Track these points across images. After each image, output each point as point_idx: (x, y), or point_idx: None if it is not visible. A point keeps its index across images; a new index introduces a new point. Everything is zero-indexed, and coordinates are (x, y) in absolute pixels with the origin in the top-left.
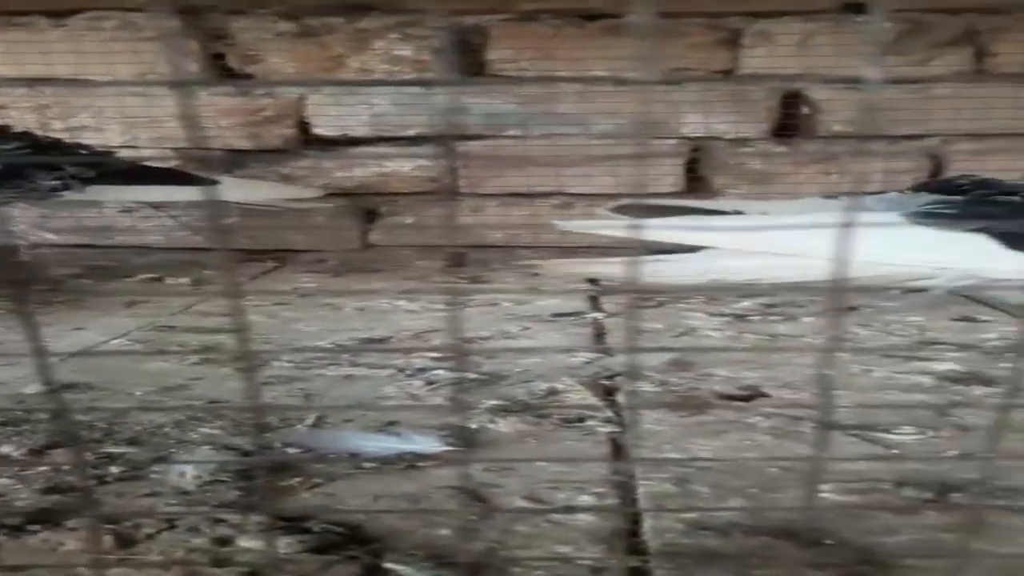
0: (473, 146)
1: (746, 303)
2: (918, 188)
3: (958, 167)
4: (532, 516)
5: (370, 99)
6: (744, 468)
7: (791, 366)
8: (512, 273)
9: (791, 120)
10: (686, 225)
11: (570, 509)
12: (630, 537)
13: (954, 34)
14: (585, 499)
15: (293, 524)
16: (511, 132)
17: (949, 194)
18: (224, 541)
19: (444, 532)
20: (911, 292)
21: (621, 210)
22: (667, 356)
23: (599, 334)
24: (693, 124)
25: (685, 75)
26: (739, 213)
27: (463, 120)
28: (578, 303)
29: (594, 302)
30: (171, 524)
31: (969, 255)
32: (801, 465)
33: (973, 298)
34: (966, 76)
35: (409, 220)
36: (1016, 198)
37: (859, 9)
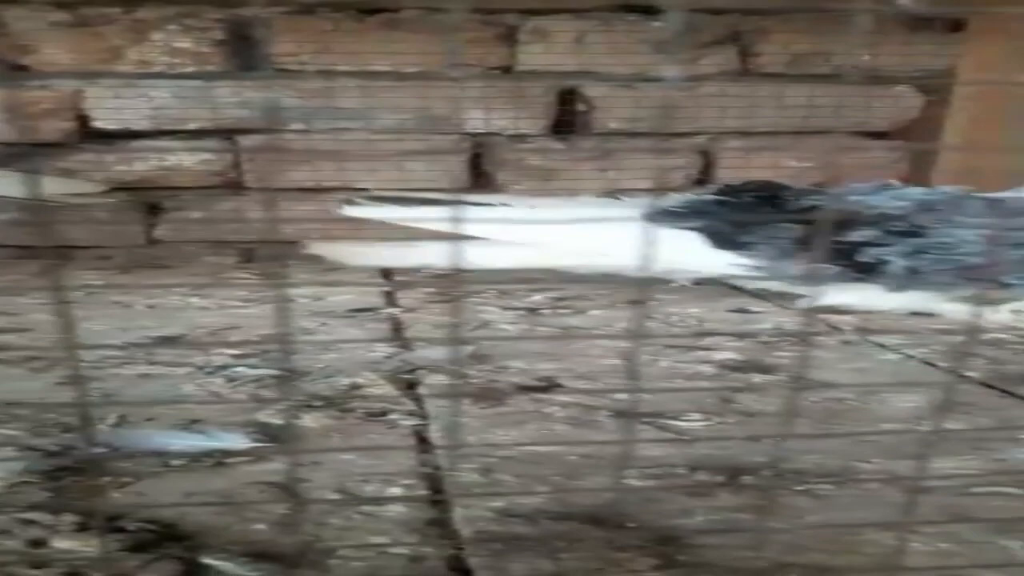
0: (257, 140)
1: (537, 297)
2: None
3: (727, 164)
4: (344, 508)
5: (150, 92)
6: (546, 457)
7: (584, 357)
8: (306, 269)
9: (568, 117)
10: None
11: (381, 500)
12: (442, 526)
13: (720, 34)
14: (394, 490)
15: (107, 523)
16: (294, 126)
17: (734, 196)
18: (38, 543)
19: (259, 527)
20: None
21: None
22: (464, 350)
23: (396, 329)
24: (474, 120)
25: (464, 71)
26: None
27: (246, 114)
28: (374, 299)
29: (390, 297)
30: None
31: (676, 251)
32: (600, 452)
33: (743, 289)
34: (731, 75)
35: (195, 215)
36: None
37: (632, 9)
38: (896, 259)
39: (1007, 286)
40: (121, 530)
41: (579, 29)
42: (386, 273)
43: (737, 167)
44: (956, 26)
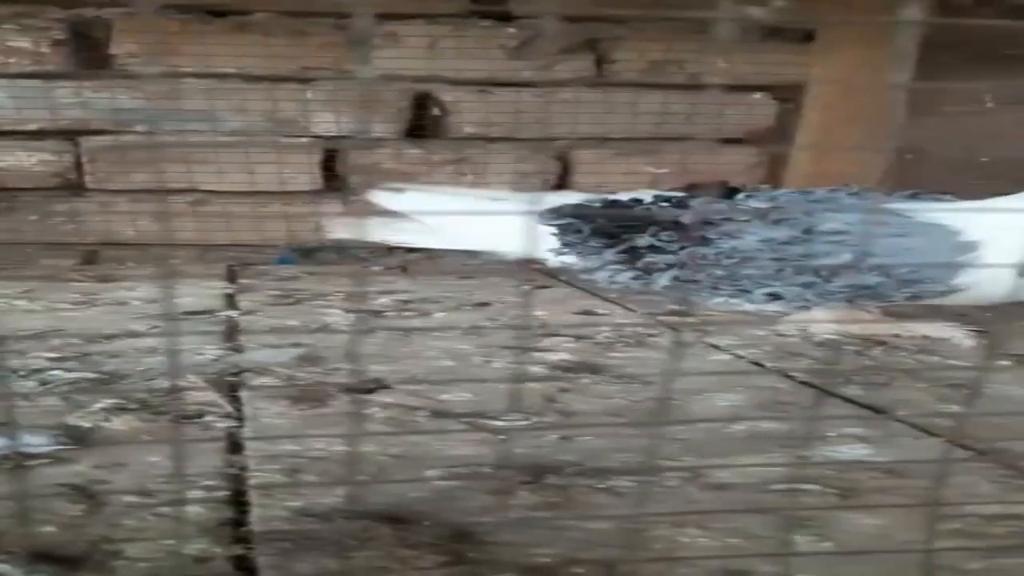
0: (99, 141)
1: (384, 300)
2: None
3: (585, 170)
4: (139, 510)
5: None
6: (355, 457)
7: (418, 359)
8: (147, 271)
9: (423, 121)
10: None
11: (179, 502)
12: (237, 527)
13: (576, 42)
14: (195, 492)
15: None
16: (138, 128)
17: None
18: None
19: (49, 529)
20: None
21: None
22: (297, 352)
23: (231, 331)
24: (325, 124)
25: (315, 74)
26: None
27: (87, 115)
28: (213, 301)
29: (230, 300)
30: None
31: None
32: (411, 452)
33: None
34: (587, 81)
35: (33, 217)
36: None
37: (486, 15)
38: (666, 267)
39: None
40: None
41: (431, 34)
42: (231, 276)
43: (594, 173)
44: (808, 37)
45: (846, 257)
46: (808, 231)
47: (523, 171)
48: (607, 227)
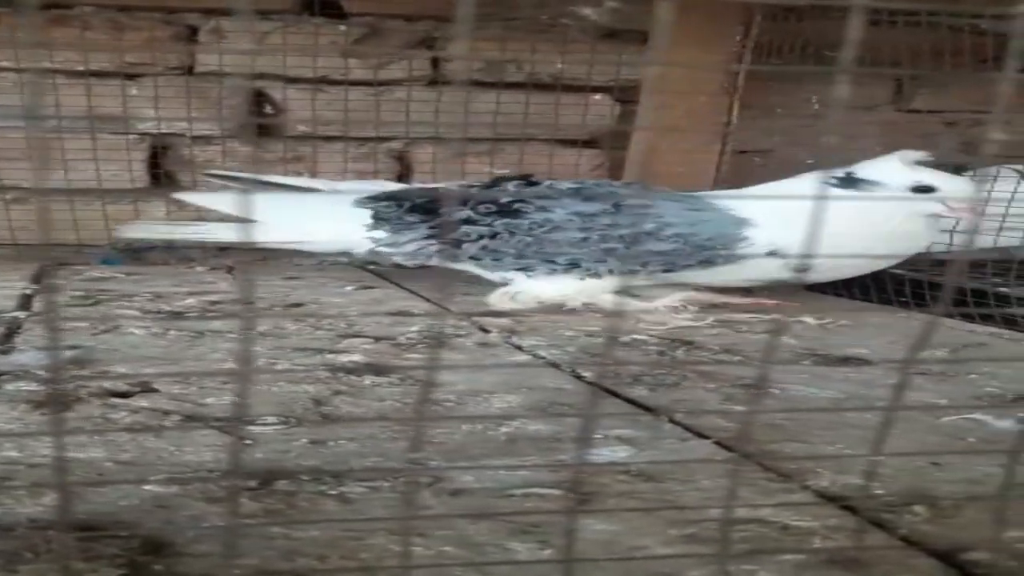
0: None
1: (191, 301)
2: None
3: (424, 169)
4: None
5: None
6: (77, 464)
7: (198, 362)
8: None
9: (256, 119)
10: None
11: None
12: None
13: (410, 40)
14: None
15: None
16: None
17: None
18: None
19: None
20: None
21: None
22: (70, 354)
23: (9, 334)
24: (154, 120)
25: (141, 70)
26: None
27: None
28: (5, 302)
29: (26, 301)
30: None
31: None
32: (144, 459)
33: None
34: (422, 81)
35: None
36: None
37: (313, 11)
38: (477, 237)
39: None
40: None
41: (260, 30)
42: (38, 276)
43: (433, 172)
44: (644, 39)
45: (649, 227)
46: (617, 205)
47: (360, 170)
48: (425, 205)
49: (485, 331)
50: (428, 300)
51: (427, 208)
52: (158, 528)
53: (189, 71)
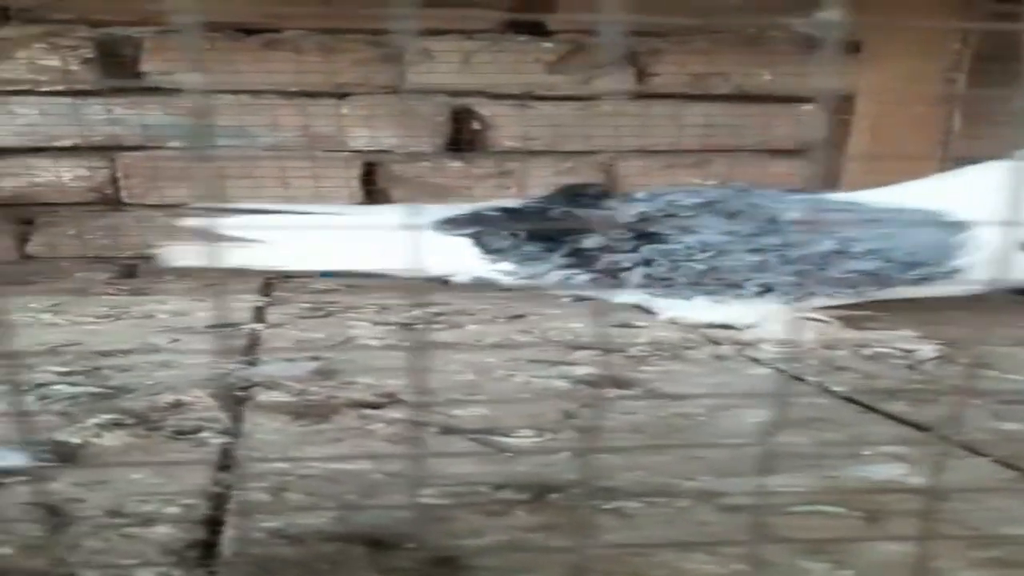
0: (135, 157)
1: (416, 312)
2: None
3: (630, 182)
4: (106, 530)
5: (16, 109)
6: (347, 475)
7: (437, 373)
8: (181, 285)
9: (463, 135)
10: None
11: (149, 521)
12: (204, 548)
13: (616, 55)
14: (171, 510)
15: None
16: (172, 144)
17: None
18: None
19: (4, 551)
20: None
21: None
22: (313, 365)
23: (252, 345)
24: (365, 138)
25: (351, 90)
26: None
27: (120, 131)
28: (240, 314)
29: (259, 313)
30: None
31: (445, 256)
32: (407, 471)
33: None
34: (627, 95)
35: (71, 231)
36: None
37: (520, 29)
38: (632, 265)
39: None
40: None
41: (466, 49)
42: (266, 289)
43: (641, 184)
44: (855, 48)
45: (828, 244)
46: (773, 220)
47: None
48: (541, 232)
49: (716, 343)
50: (648, 312)
51: (548, 236)
52: (443, 542)
53: (395, 91)
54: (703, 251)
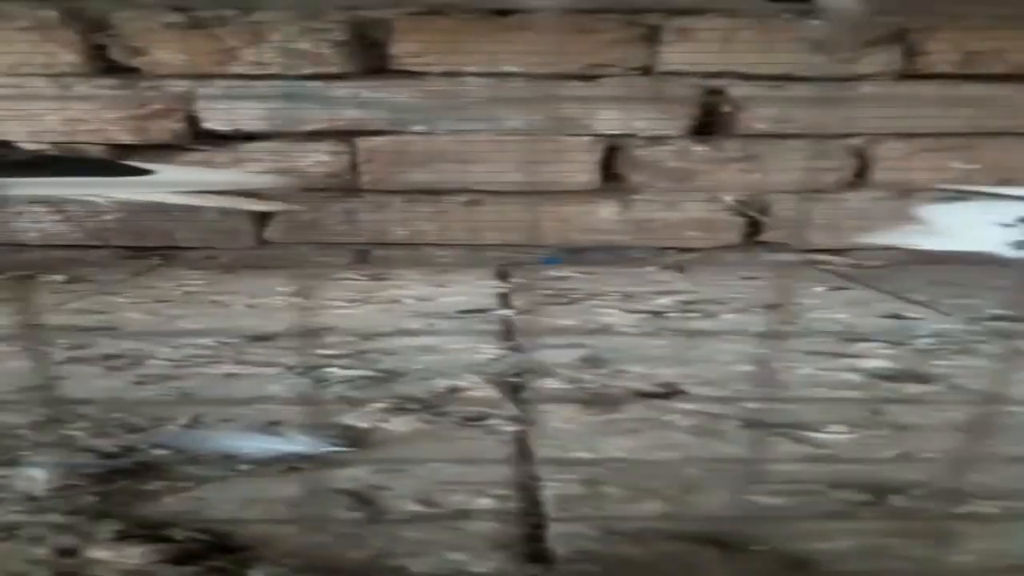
0: (377, 142)
1: (664, 300)
2: None
3: (884, 167)
4: (422, 521)
5: (264, 93)
6: (660, 468)
7: (711, 363)
8: (418, 271)
9: (712, 118)
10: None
11: (466, 513)
12: (533, 543)
13: (883, 34)
14: (484, 502)
15: (151, 532)
16: (416, 128)
17: None
18: (68, 552)
19: (322, 539)
20: None
21: None
22: (578, 353)
23: (508, 331)
24: (610, 121)
25: (601, 71)
26: None
27: (365, 116)
28: (485, 300)
29: (504, 299)
30: (10, 533)
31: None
32: (723, 465)
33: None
34: (895, 75)
35: (308, 216)
36: None
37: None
38: None
39: None
40: (167, 540)
41: (727, 28)
42: (502, 274)
43: (896, 169)
44: None
45: None
46: None
47: (814, 168)
48: None
49: (1008, 338)
50: (920, 303)
51: None
52: (791, 545)
53: (647, 71)
54: None
